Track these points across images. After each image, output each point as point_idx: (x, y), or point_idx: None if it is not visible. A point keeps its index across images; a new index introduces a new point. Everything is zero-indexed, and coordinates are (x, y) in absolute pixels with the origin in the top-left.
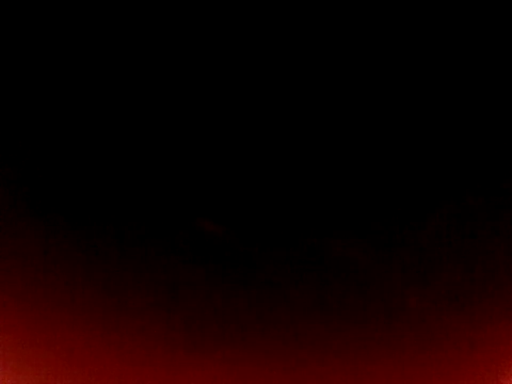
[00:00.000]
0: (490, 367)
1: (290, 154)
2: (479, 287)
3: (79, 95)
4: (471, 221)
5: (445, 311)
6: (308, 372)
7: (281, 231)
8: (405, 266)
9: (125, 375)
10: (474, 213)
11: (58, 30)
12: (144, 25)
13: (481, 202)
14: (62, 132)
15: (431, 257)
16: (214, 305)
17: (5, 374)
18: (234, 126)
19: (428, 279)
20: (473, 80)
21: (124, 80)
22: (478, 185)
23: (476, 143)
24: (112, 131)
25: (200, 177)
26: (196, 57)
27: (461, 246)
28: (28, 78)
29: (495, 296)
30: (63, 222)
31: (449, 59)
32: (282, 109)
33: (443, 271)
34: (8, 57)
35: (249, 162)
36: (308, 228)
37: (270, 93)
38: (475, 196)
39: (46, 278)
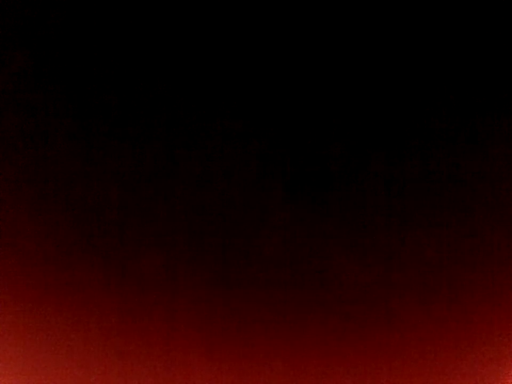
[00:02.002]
0: (490, 367)
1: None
2: (479, 287)
3: (78, 93)
4: (468, 221)
5: (445, 311)
6: (309, 371)
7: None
8: (406, 267)
9: (125, 375)
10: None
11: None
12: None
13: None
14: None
15: (430, 258)
16: (214, 304)
17: (5, 374)
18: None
19: (427, 279)
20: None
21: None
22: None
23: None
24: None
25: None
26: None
27: (460, 245)
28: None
29: (495, 296)
30: (64, 219)
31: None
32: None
33: (442, 271)
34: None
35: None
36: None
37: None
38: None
39: (46, 277)
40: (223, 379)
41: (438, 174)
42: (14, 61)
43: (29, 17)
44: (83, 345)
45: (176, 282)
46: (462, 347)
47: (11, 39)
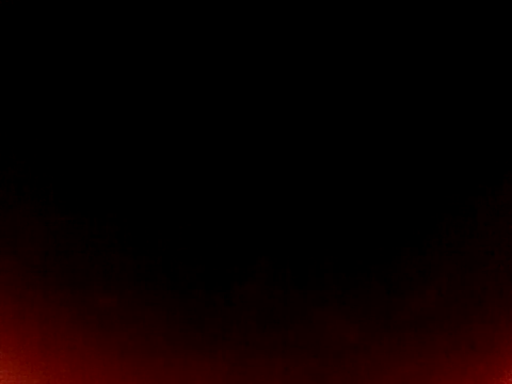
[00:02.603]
0: (490, 367)
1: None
2: (479, 287)
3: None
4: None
5: (445, 311)
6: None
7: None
8: (407, 264)
9: (125, 375)
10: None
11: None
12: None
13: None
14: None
15: (430, 260)
16: (213, 306)
17: (5, 374)
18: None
19: (428, 278)
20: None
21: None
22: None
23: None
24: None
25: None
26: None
27: (460, 246)
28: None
29: (495, 296)
30: (64, 220)
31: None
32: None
33: (443, 271)
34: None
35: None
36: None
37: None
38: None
39: (46, 278)
40: (223, 379)
41: (433, 236)
42: (13, 63)
43: (28, 23)
44: (83, 345)
45: (176, 281)
46: (462, 347)
47: (10, 41)
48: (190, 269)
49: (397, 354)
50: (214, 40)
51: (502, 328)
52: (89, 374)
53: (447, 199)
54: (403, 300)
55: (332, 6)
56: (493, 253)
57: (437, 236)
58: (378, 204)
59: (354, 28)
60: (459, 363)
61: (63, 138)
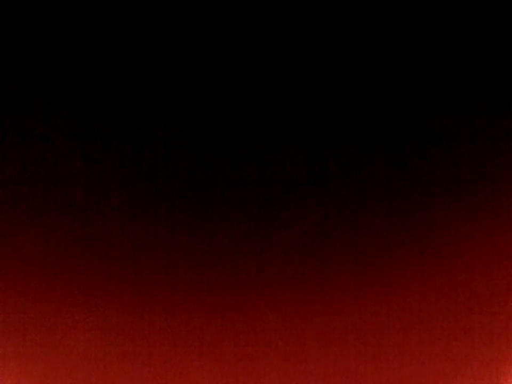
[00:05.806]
0: (490, 367)
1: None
2: (479, 287)
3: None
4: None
5: (445, 310)
6: (307, 370)
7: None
8: (407, 263)
9: (125, 375)
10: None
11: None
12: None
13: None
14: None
15: (431, 256)
16: (214, 303)
17: (5, 374)
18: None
19: (428, 277)
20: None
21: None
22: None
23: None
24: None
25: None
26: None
27: (461, 245)
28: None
29: (494, 296)
30: (64, 220)
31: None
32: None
33: (443, 270)
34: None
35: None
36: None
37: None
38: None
39: (46, 277)
40: (223, 379)
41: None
42: (14, 61)
43: (28, 18)
44: (83, 345)
45: (177, 280)
46: (462, 347)
47: (10, 40)
48: (189, 267)
49: (397, 354)
50: (213, 39)
51: (502, 327)
52: (89, 374)
53: (445, 197)
54: (403, 300)
55: (331, 5)
56: (493, 253)
57: (437, 236)
58: (377, 202)
59: (354, 26)
60: (459, 363)
61: (60, 137)
